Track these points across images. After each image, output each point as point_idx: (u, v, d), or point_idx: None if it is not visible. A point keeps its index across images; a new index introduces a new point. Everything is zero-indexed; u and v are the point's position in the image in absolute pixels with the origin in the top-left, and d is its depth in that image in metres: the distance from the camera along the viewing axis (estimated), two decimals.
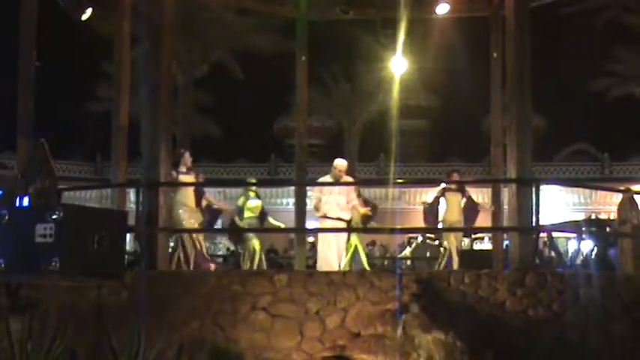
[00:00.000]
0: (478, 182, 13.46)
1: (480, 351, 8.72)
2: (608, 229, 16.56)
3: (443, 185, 14.53)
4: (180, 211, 12.38)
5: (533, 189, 10.02)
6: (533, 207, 9.96)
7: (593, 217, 26.58)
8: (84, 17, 13.46)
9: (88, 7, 13.26)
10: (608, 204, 31.00)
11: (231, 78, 31.26)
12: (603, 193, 33.05)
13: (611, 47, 35.10)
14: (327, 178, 12.84)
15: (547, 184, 11.42)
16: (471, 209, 14.46)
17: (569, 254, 19.35)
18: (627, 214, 14.29)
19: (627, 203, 14.40)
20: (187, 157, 12.90)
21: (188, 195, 12.60)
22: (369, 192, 33.05)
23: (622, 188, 16.22)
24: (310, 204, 13.66)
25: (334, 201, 12.49)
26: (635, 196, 14.52)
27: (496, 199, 14.68)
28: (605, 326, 9.36)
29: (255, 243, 15.33)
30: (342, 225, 12.53)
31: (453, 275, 9.58)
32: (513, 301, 9.32)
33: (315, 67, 26.10)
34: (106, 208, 13.47)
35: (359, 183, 12.43)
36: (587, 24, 28.28)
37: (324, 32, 20.90)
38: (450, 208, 14.10)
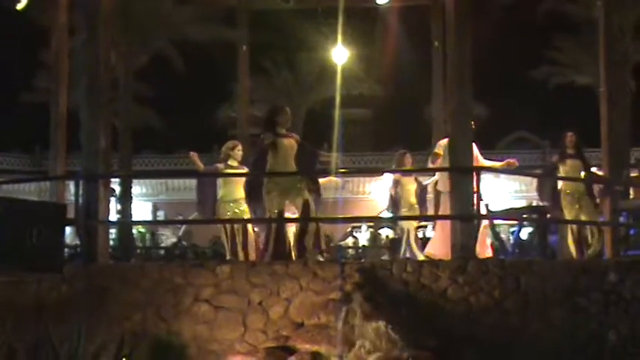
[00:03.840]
0: (420, 171, 13.51)
1: (423, 339, 8.76)
2: (548, 216, 16.73)
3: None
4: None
5: (474, 177, 10.09)
6: (474, 195, 10.02)
7: (534, 204, 26.86)
8: (19, 6, 13.25)
9: None
10: None
11: (172, 68, 31.02)
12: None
13: (551, 36, 35.50)
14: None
15: (488, 171, 11.59)
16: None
17: (511, 241, 19.58)
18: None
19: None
20: (286, 114, 11.05)
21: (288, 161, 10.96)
22: None
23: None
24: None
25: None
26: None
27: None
28: (545, 312, 9.47)
29: None
30: None
31: (396, 264, 9.60)
32: (455, 288, 9.37)
33: (256, 56, 26.02)
34: (45, 200, 13.30)
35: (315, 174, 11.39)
36: (528, 13, 28.51)
37: (265, 21, 20.83)
38: None
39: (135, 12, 19.79)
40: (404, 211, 13.70)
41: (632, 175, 16.20)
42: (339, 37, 17.84)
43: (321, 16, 18.48)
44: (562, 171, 13.12)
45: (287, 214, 11.94)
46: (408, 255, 13.48)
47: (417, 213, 13.63)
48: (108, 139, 11.04)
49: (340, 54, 19.16)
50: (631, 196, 14.67)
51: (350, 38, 19.84)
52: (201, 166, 12.17)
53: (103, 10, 10.91)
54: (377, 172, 35.26)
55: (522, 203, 29.30)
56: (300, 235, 10.71)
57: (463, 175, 10.27)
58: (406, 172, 13.66)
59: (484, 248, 11.93)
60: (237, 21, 17.42)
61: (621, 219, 13.88)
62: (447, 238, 10.81)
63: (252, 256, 11.79)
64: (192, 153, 12.23)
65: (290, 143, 10.95)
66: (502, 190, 34.80)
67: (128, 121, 19.59)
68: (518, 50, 34.88)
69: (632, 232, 14.20)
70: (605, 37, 15.00)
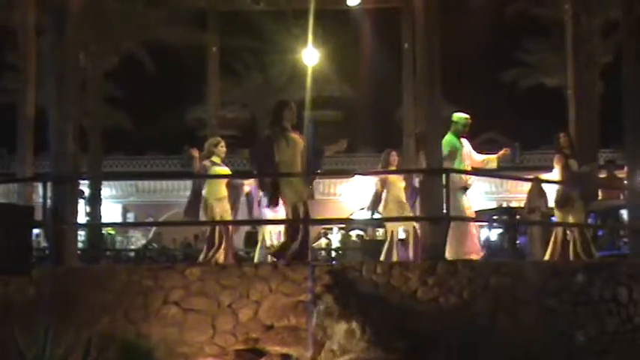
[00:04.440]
0: (390, 173, 13.51)
1: (393, 340, 8.77)
2: (518, 217, 16.85)
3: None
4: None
5: (444, 178, 10.10)
6: (444, 196, 10.04)
7: (505, 205, 27.05)
8: None
9: None
10: (518, 192, 31.54)
11: (142, 69, 30.90)
12: (514, 181, 33.59)
13: (521, 38, 35.77)
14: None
15: (457, 173, 11.59)
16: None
17: (481, 242, 19.68)
18: (536, 202, 14.54)
19: (535, 191, 14.65)
20: (292, 109, 10.77)
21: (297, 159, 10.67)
22: None
23: (530, 177, 16.53)
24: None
25: None
26: (544, 185, 14.78)
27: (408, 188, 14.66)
28: (514, 313, 9.51)
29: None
30: None
31: (365, 265, 9.60)
32: (425, 290, 9.38)
33: (227, 58, 25.94)
34: (12, 203, 13.17)
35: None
36: (497, 15, 28.68)
37: (236, 23, 20.79)
38: None
39: (105, 13, 19.66)
40: (392, 211, 13.45)
41: (601, 176, 16.31)
42: (310, 39, 17.81)
43: (292, 18, 18.44)
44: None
45: (272, 216, 12.02)
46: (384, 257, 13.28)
47: (407, 211, 13.36)
48: (77, 140, 10.95)
49: (310, 56, 19.13)
50: (599, 198, 14.78)
51: (321, 40, 19.81)
52: (197, 165, 12.12)
53: (72, 11, 10.84)
54: (347, 173, 35.30)
55: (493, 204, 29.46)
56: (292, 240, 10.50)
57: (433, 175, 10.29)
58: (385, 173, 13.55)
59: (474, 247, 11.86)
60: (207, 23, 17.37)
61: (590, 220, 13.97)
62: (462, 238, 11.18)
63: (229, 258, 11.82)
64: (192, 150, 12.15)
65: (298, 139, 10.70)
66: (472, 191, 34.88)
67: (98, 122, 19.42)
68: (489, 52, 35.02)
69: (600, 233, 14.30)
70: (573, 40, 15.12)
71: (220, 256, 11.75)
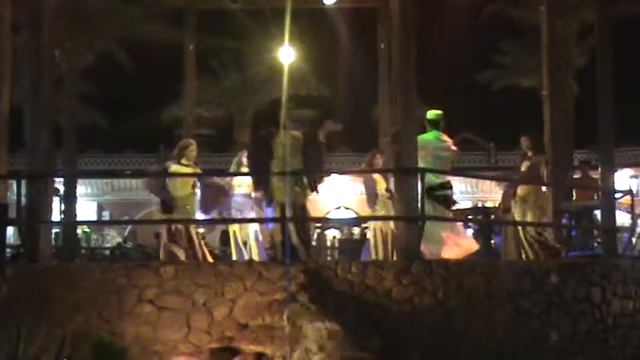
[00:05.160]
0: (365, 172, 13.53)
1: (367, 339, 8.79)
2: (492, 217, 16.88)
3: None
4: None
5: (419, 178, 10.12)
6: (418, 196, 10.05)
7: (480, 205, 27.12)
8: None
9: None
10: (494, 192, 31.67)
11: (119, 67, 30.81)
12: (489, 181, 33.69)
13: (496, 40, 35.95)
14: None
15: (432, 172, 11.55)
16: None
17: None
18: (510, 202, 14.59)
19: (510, 192, 14.69)
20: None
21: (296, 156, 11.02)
22: None
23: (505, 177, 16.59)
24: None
25: None
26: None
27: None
28: (488, 313, 9.56)
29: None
30: None
31: (341, 265, 9.62)
32: (399, 289, 9.42)
33: (205, 57, 25.86)
34: None
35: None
36: (473, 17, 28.81)
37: (214, 22, 20.74)
38: None
39: (81, 10, 19.58)
40: (377, 210, 13.39)
41: (575, 176, 16.41)
42: (286, 38, 17.77)
43: (270, 17, 18.40)
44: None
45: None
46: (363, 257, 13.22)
47: (390, 209, 13.27)
48: (52, 137, 10.89)
49: (287, 54, 19.08)
50: (573, 198, 14.87)
51: (298, 39, 19.78)
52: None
53: (48, 7, 10.78)
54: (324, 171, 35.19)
55: (468, 204, 29.54)
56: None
57: (407, 175, 10.30)
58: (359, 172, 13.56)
59: (458, 246, 11.85)
60: (184, 21, 17.30)
61: (564, 220, 14.06)
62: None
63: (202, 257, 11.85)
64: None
65: (298, 136, 10.87)
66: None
67: (73, 120, 19.33)
68: (464, 53, 35.16)
69: (573, 233, 14.38)
70: (548, 42, 15.17)
71: (182, 255, 11.73)
